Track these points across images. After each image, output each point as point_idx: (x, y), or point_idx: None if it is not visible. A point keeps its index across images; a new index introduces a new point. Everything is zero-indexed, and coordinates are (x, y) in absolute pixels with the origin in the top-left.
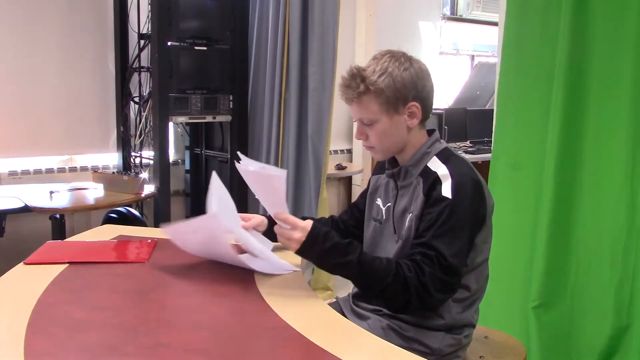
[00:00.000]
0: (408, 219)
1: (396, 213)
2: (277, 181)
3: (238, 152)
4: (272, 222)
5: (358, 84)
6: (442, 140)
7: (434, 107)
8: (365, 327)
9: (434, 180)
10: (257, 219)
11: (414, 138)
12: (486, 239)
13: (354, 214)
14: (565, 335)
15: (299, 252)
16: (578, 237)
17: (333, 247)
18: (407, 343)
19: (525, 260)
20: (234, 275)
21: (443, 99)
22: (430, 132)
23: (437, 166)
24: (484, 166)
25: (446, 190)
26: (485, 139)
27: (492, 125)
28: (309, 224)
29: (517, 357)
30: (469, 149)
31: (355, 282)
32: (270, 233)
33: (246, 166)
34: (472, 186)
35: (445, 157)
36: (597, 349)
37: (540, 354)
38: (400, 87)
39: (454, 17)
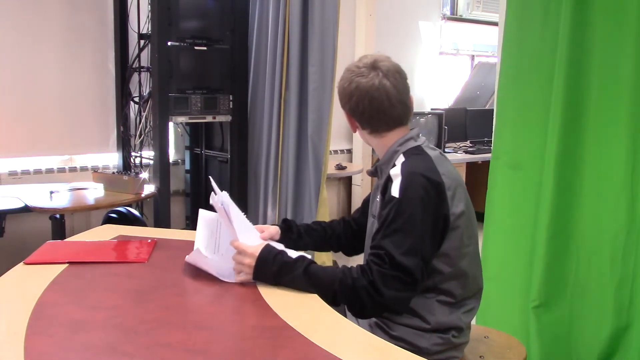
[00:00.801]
0: None
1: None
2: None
3: (210, 178)
4: (284, 228)
5: None
6: (419, 138)
7: (434, 106)
8: (357, 323)
9: (387, 179)
10: (272, 230)
11: (378, 142)
12: (465, 243)
13: (366, 212)
14: (565, 335)
15: (254, 277)
16: (578, 237)
17: (282, 266)
18: (394, 341)
19: (525, 260)
20: None
21: (443, 99)
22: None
23: (397, 164)
24: (484, 166)
25: (395, 189)
26: (485, 139)
27: (492, 125)
28: (257, 249)
29: (517, 356)
30: (469, 149)
31: (312, 292)
32: (285, 240)
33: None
34: (424, 185)
35: (409, 155)
36: (597, 348)
37: (540, 354)
38: (339, 95)
39: (454, 17)
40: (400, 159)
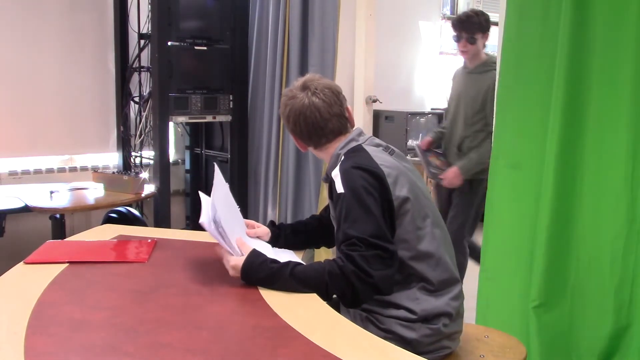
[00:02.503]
0: None
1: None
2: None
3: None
4: (274, 230)
5: None
6: (361, 137)
7: (434, 106)
8: (350, 319)
9: (331, 182)
10: (263, 230)
11: (324, 153)
12: (419, 225)
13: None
14: (565, 334)
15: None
16: (578, 237)
17: (267, 275)
18: (384, 334)
19: (526, 260)
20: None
21: (443, 98)
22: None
23: (337, 166)
24: None
25: (338, 187)
26: None
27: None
28: (238, 261)
29: (517, 356)
30: None
31: (306, 292)
32: (274, 242)
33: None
34: (362, 175)
35: (348, 154)
36: (597, 348)
37: (540, 354)
38: (282, 121)
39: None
40: (341, 159)
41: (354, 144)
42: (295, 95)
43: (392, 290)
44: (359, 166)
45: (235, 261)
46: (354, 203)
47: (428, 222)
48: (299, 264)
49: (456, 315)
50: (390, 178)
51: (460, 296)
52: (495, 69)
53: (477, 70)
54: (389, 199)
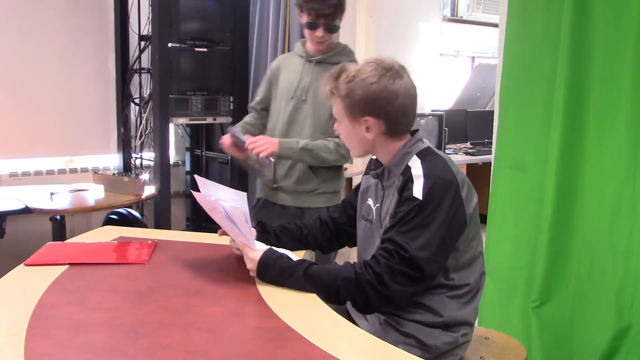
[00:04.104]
0: None
1: (383, 213)
2: (236, 212)
3: (195, 176)
4: (261, 230)
5: (332, 82)
6: (425, 140)
7: (434, 108)
8: (365, 323)
9: (407, 179)
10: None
11: (389, 145)
12: (474, 236)
13: (347, 211)
14: (567, 336)
15: (258, 277)
16: (579, 237)
17: (280, 271)
18: (404, 338)
19: (527, 261)
20: (234, 276)
21: (443, 100)
22: (413, 132)
23: (414, 165)
24: (484, 167)
25: (417, 191)
26: (486, 140)
27: (492, 126)
28: (257, 255)
29: (518, 357)
30: (469, 150)
31: (316, 293)
32: (263, 241)
33: (208, 196)
34: (445, 188)
35: (424, 156)
36: (599, 349)
37: (541, 355)
38: (356, 100)
39: (455, 19)
40: (415, 159)
41: (421, 144)
42: (399, 74)
43: (407, 303)
44: (445, 178)
45: (254, 255)
46: (423, 213)
47: (477, 235)
48: (314, 264)
49: (473, 324)
50: (463, 191)
51: (477, 306)
52: (354, 57)
53: (334, 60)
54: (463, 214)
